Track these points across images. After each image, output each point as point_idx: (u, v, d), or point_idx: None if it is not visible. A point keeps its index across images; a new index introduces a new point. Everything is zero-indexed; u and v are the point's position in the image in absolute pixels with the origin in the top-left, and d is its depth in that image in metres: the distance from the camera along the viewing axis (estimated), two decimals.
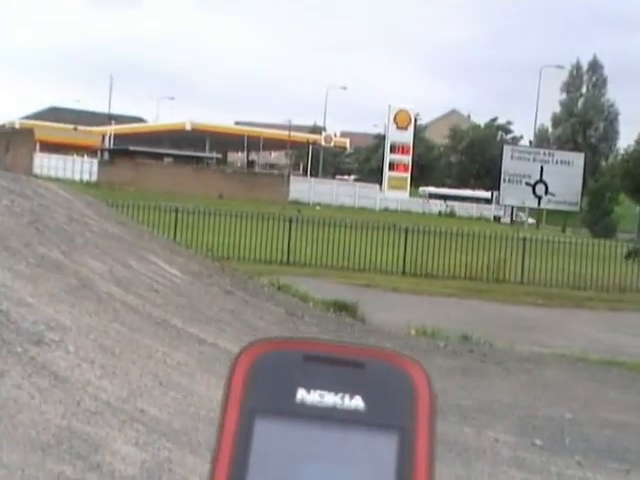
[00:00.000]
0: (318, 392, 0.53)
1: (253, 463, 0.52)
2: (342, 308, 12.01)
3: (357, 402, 0.53)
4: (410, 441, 0.52)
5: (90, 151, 59.21)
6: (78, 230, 8.93)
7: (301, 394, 0.53)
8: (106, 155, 59.33)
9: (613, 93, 72.68)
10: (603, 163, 67.46)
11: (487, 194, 64.30)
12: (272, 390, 0.53)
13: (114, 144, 61.19)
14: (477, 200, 63.03)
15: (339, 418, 0.52)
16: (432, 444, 0.52)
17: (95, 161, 55.77)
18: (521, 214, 55.14)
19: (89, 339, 5.77)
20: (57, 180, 31.31)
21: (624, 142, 73.05)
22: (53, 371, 4.98)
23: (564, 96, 72.30)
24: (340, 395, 0.53)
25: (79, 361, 5.29)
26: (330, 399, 0.53)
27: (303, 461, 0.52)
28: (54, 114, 74.83)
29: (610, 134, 71.20)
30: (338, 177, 71.63)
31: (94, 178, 51.38)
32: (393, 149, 57.57)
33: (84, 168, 54.43)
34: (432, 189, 63.41)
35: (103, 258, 8.33)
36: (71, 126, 65.21)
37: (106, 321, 6.40)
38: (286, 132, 64.49)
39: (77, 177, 51.99)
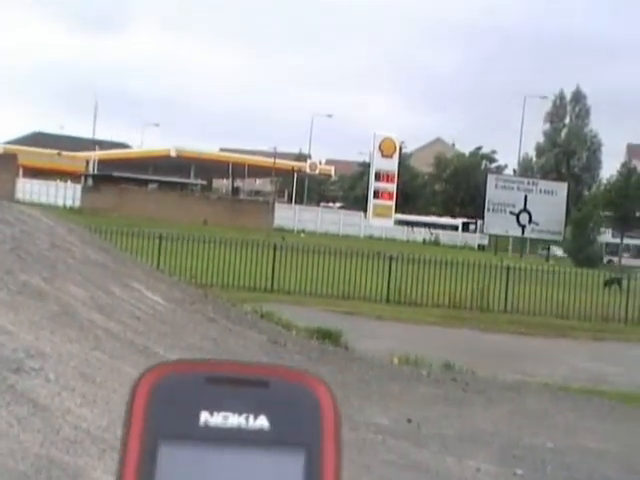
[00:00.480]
0: (222, 414, 0.52)
1: None
2: (325, 336, 11.99)
3: (262, 422, 0.52)
4: (316, 458, 0.52)
5: (74, 177, 59.04)
6: (60, 257, 8.89)
7: (204, 417, 0.52)
8: (90, 181, 59.18)
9: (596, 124, 73.26)
10: (586, 193, 67.98)
11: (456, 222, 65.10)
12: (174, 414, 0.52)
13: (98, 170, 61.09)
14: (444, 227, 63.76)
15: (244, 439, 0.52)
16: (338, 460, 0.52)
17: (78, 187, 55.60)
18: (553, 247, 55.51)
19: (70, 367, 5.73)
20: (40, 205, 31.19)
21: (607, 172, 73.73)
22: (32, 399, 4.94)
23: (548, 126, 72.97)
24: (244, 416, 0.52)
25: (59, 389, 5.25)
26: (234, 420, 0.52)
27: None
28: (37, 139, 74.55)
29: (593, 164, 71.85)
30: (323, 204, 71.81)
31: (77, 204, 51.19)
32: (378, 177, 57.70)
33: (67, 194, 54.25)
34: (399, 216, 63.87)
35: (85, 285, 8.30)
36: (55, 151, 65.09)
37: (87, 349, 6.37)
38: (271, 159, 64.67)
39: (60, 203, 51.78)
